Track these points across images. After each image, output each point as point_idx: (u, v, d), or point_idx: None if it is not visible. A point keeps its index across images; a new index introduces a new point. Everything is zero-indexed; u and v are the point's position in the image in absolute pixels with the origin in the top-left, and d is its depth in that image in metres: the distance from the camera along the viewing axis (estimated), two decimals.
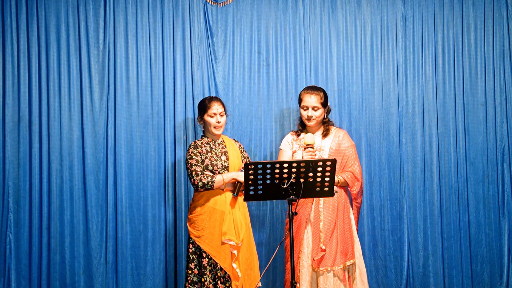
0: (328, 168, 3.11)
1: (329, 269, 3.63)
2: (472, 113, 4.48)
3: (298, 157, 3.78)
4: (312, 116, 3.78)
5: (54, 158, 4.15)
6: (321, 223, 3.69)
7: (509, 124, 4.48)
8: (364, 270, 3.78)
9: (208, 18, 4.35)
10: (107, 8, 4.24)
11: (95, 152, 4.19)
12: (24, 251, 4.09)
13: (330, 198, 3.57)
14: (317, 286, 3.66)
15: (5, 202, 4.09)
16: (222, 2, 4.37)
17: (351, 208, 3.82)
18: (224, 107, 3.82)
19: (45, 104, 4.17)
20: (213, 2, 4.37)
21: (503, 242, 4.43)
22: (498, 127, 4.47)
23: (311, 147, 3.61)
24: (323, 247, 3.63)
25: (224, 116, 3.81)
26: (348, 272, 3.71)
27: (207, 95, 4.28)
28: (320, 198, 3.69)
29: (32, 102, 4.15)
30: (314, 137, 3.68)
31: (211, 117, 3.76)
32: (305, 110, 3.81)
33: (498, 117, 4.47)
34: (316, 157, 3.75)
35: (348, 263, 3.66)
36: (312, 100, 3.78)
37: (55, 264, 4.12)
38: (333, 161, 3.10)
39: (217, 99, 3.84)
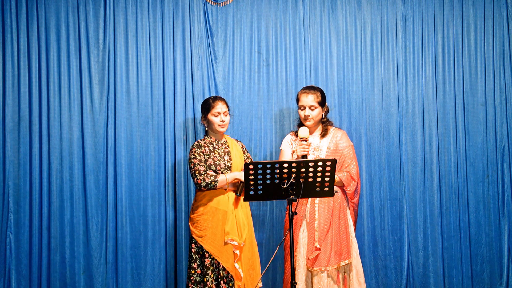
0: (328, 168, 3.11)
1: (323, 269, 3.63)
2: (472, 113, 4.48)
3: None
4: (309, 116, 3.78)
5: (54, 158, 4.15)
6: (316, 222, 3.69)
7: (509, 124, 4.48)
8: (361, 270, 3.78)
9: (208, 18, 4.36)
10: (107, 8, 4.24)
11: (95, 152, 4.19)
12: (24, 251, 4.09)
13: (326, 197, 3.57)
14: (312, 286, 3.66)
15: (5, 202, 4.09)
16: (222, 2, 4.37)
17: (348, 208, 3.82)
18: (227, 106, 3.83)
19: (45, 104, 4.17)
20: (213, 2, 4.37)
21: (503, 242, 4.43)
22: (498, 127, 4.48)
23: (305, 140, 3.61)
24: (318, 246, 3.64)
25: (228, 116, 3.81)
26: (345, 273, 3.71)
27: (207, 95, 4.28)
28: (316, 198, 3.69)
29: (32, 102, 4.15)
30: (308, 131, 3.67)
31: (216, 116, 3.77)
32: (302, 109, 3.81)
33: (498, 117, 4.48)
34: (313, 157, 3.76)
35: (342, 263, 3.66)
36: (308, 99, 3.78)
37: (55, 264, 4.12)
38: (333, 161, 3.10)
39: (221, 98, 3.84)
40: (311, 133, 3.84)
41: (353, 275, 3.72)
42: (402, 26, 4.48)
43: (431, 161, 4.43)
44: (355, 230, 3.85)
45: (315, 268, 3.63)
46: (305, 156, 3.54)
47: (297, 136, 3.87)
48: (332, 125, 3.91)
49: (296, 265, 3.70)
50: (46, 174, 4.14)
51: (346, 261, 3.68)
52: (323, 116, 3.86)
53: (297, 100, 3.86)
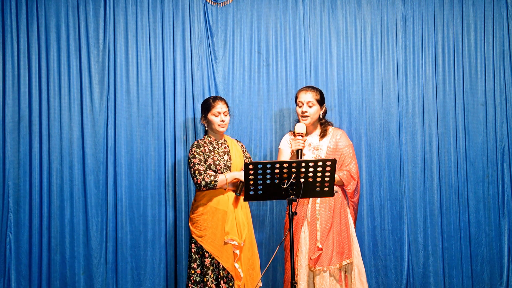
0: (328, 168, 3.11)
1: (325, 269, 3.63)
2: (472, 113, 4.48)
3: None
4: (306, 112, 3.78)
5: (54, 158, 4.15)
6: (317, 222, 3.69)
7: (509, 124, 4.48)
8: (363, 270, 3.78)
9: (208, 18, 4.36)
10: (107, 8, 4.24)
11: (95, 152, 4.19)
12: (24, 251, 4.09)
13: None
14: (314, 285, 3.66)
15: (5, 202, 4.09)
16: (222, 2, 4.37)
17: (348, 208, 3.82)
18: (227, 106, 3.83)
19: (45, 104, 4.17)
20: (213, 2, 4.37)
21: (503, 242, 4.43)
22: (498, 127, 4.48)
23: (301, 136, 3.62)
24: (320, 246, 3.64)
25: (228, 116, 3.82)
26: (346, 272, 3.71)
27: (207, 95, 4.28)
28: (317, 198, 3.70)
29: (32, 102, 4.15)
30: (304, 127, 3.69)
31: (216, 116, 3.77)
32: (300, 106, 3.81)
33: (498, 117, 4.48)
34: (313, 156, 3.77)
35: (344, 262, 3.66)
36: (307, 96, 3.78)
37: (55, 264, 4.12)
38: (333, 161, 3.10)
39: (221, 98, 3.84)
40: (310, 133, 3.84)
41: (355, 274, 3.72)
42: (402, 26, 4.48)
43: (431, 161, 4.43)
44: (355, 229, 3.85)
45: (317, 268, 3.63)
46: (299, 150, 3.55)
47: (295, 136, 3.88)
48: (331, 125, 3.91)
49: (298, 265, 3.70)
50: (46, 174, 4.14)
51: (348, 260, 3.68)
52: (321, 117, 3.86)
53: (296, 98, 3.86)
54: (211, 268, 3.65)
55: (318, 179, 3.13)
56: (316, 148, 3.80)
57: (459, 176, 4.44)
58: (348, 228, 3.75)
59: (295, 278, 3.65)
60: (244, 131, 4.35)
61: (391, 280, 4.38)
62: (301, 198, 3.12)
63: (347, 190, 3.78)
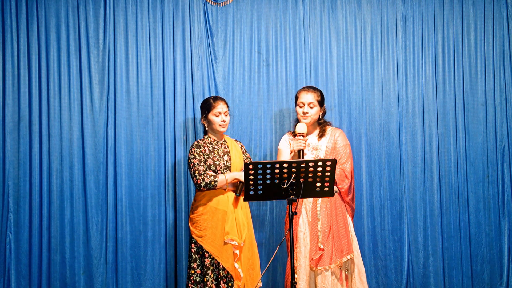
0: (328, 168, 3.11)
1: (326, 268, 3.64)
2: (472, 113, 4.48)
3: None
4: (307, 113, 3.78)
5: (54, 158, 4.15)
6: (319, 223, 3.69)
7: (509, 124, 4.48)
8: (363, 269, 3.79)
9: (208, 18, 4.36)
10: (107, 8, 4.24)
11: (95, 152, 4.19)
12: (24, 251, 4.09)
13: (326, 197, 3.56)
14: (315, 285, 3.67)
15: (5, 202, 4.09)
16: (222, 2, 4.38)
17: (346, 206, 3.83)
18: (228, 106, 3.84)
19: (45, 104, 4.17)
20: (213, 2, 4.37)
21: (503, 242, 4.43)
22: (498, 127, 4.48)
23: (302, 136, 3.62)
24: (322, 247, 3.64)
25: (228, 116, 3.82)
26: (346, 271, 3.71)
27: (207, 95, 4.28)
28: (317, 198, 3.70)
29: (32, 102, 4.15)
30: (305, 127, 3.69)
31: (216, 116, 3.77)
32: (300, 107, 3.82)
33: (498, 117, 4.48)
34: (312, 156, 3.77)
35: (344, 259, 3.67)
36: (308, 96, 3.79)
37: (55, 264, 4.12)
38: (333, 161, 3.10)
39: (221, 98, 3.85)
40: (309, 133, 3.85)
41: (355, 274, 3.73)
42: (402, 26, 4.48)
43: (431, 161, 4.43)
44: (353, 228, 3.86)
45: (319, 268, 3.63)
46: (301, 150, 3.56)
47: (294, 135, 3.88)
48: (330, 125, 3.92)
49: (297, 265, 3.70)
50: (46, 174, 4.14)
51: (348, 257, 3.68)
52: (320, 117, 3.87)
53: (296, 98, 3.87)
54: (211, 268, 3.65)
55: (318, 179, 3.13)
56: (315, 148, 3.81)
57: (459, 176, 4.44)
58: (346, 225, 3.76)
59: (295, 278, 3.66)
60: (244, 131, 4.35)
61: (391, 280, 4.38)
62: (301, 198, 3.12)
63: (339, 188, 3.78)
